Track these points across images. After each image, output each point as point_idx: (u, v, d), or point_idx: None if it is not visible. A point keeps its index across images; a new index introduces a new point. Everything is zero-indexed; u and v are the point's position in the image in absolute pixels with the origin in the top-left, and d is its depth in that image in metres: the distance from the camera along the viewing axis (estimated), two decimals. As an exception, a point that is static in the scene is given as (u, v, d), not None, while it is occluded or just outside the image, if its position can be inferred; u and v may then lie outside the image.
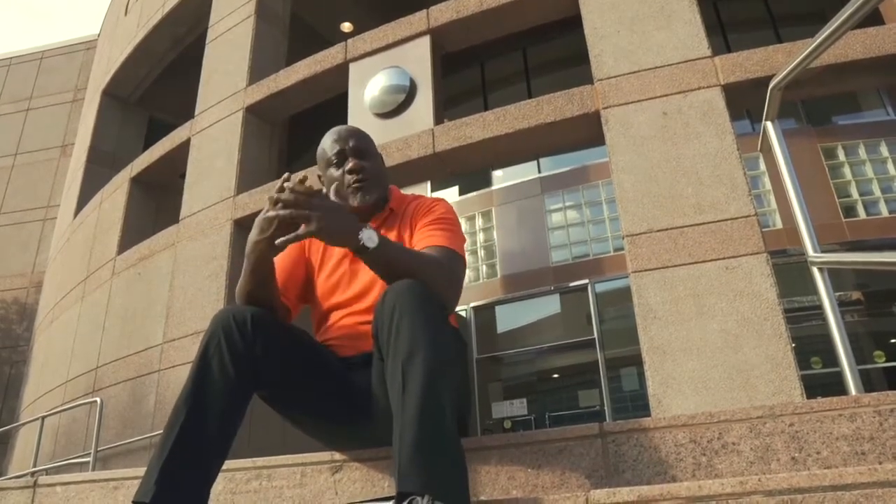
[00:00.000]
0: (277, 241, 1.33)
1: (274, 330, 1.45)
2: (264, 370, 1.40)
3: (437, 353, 1.22)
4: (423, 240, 1.59)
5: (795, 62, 1.92)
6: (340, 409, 1.53)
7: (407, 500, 1.06)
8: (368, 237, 1.35)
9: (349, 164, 1.69)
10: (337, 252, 1.68)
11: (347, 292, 1.64)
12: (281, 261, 1.65)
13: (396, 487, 1.10)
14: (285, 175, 1.38)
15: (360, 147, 1.72)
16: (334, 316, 1.66)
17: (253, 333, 1.38)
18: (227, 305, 3.73)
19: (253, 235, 1.40)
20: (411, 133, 5.87)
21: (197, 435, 1.28)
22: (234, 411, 1.35)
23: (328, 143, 1.74)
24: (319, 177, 1.80)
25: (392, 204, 1.75)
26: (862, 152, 7.10)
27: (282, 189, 1.35)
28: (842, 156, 7.11)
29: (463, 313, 8.02)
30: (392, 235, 1.67)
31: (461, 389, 1.55)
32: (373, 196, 1.69)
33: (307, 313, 1.79)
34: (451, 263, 1.51)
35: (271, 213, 1.33)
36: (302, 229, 1.32)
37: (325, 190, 1.76)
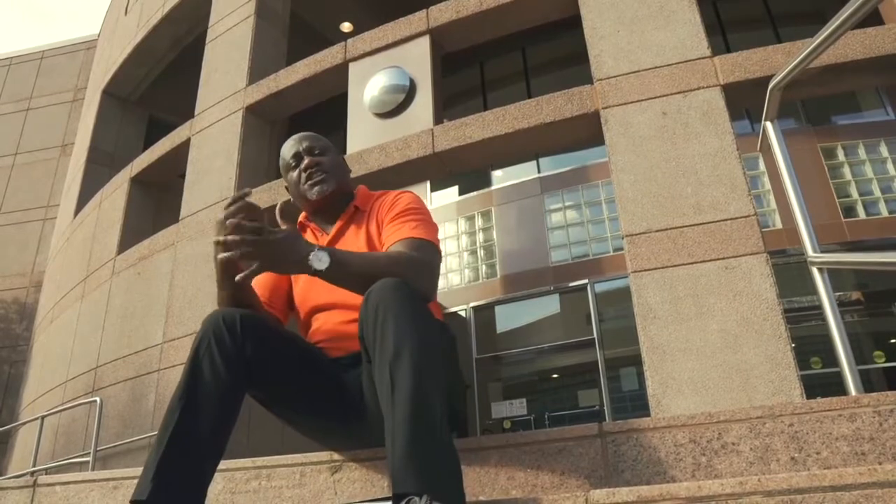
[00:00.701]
0: (237, 278, 1.29)
1: (263, 331, 1.45)
2: (255, 371, 1.41)
3: (423, 351, 1.22)
4: (392, 234, 1.58)
5: (795, 62, 1.92)
6: (334, 408, 1.53)
7: (405, 501, 1.06)
8: (318, 259, 1.33)
9: (304, 163, 1.73)
10: None
11: (325, 294, 1.62)
12: (262, 275, 1.66)
13: (391, 489, 1.10)
14: (233, 197, 1.35)
15: (313, 146, 1.76)
16: (317, 320, 1.66)
17: (242, 335, 1.39)
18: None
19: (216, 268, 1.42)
20: (411, 133, 5.87)
21: (190, 435, 1.29)
22: (226, 411, 1.36)
23: (285, 150, 1.79)
24: (287, 188, 1.82)
25: (357, 202, 1.76)
26: (861, 152, 7.11)
27: (230, 213, 1.31)
28: (841, 156, 7.11)
29: (462, 313, 8.02)
30: (360, 233, 1.68)
31: (454, 383, 1.55)
32: (330, 186, 1.71)
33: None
34: (420, 253, 1.50)
35: (220, 256, 1.30)
36: (254, 266, 1.28)
37: (292, 200, 1.79)
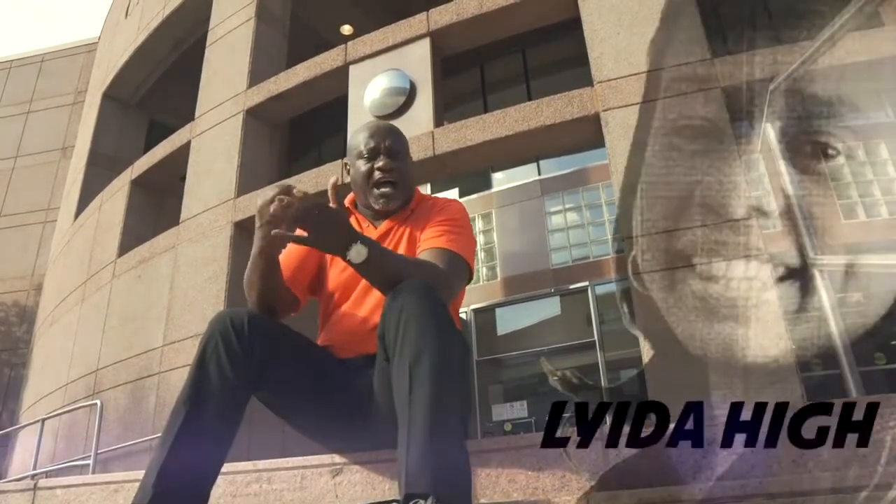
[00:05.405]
0: (273, 232, 1.33)
1: (271, 333, 1.45)
2: (262, 373, 1.41)
3: (444, 355, 1.23)
4: (427, 241, 1.60)
5: (795, 64, 1.92)
6: (339, 410, 1.53)
7: (412, 502, 1.06)
8: (357, 253, 1.34)
9: (380, 162, 1.68)
10: None
11: (354, 290, 1.64)
12: (292, 249, 1.64)
13: (404, 489, 1.10)
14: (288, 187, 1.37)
15: (394, 148, 1.72)
16: (339, 314, 1.66)
17: (250, 336, 1.39)
18: (227, 308, 3.73)
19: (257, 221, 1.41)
20: (411, 135, 5.82)
21: (195, 438, 1.28)
22: (232, 414, 1.35)
23: (363, 136, 1.73)
24: (346, 165, 1.80)
25: (412, 204, 1.76)
26: (862, 154, 7.11)
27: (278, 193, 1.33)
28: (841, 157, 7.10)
29: (463, 315, 8.02)
30: (407, 234, 1.68)
31: (465, 391, 1.56)
32: (396, 203, 1.70)
33: (308, 316, 1.78)
34: (447, 266, 1.52)
35: (273, 232, 1.33)
36: (297, 232, 1.33)
37: (351, 185, 1.76)
